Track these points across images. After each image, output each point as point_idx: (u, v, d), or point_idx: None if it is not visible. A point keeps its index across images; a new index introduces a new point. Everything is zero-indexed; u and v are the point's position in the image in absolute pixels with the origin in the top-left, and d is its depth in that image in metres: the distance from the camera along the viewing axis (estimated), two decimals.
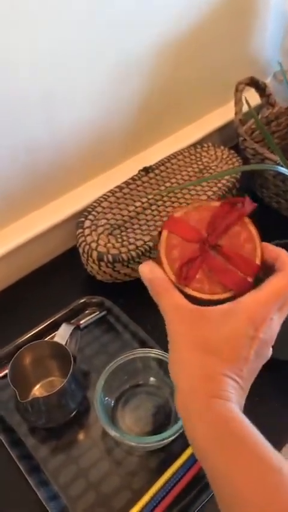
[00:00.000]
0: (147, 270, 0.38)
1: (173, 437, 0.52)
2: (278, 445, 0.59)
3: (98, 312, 0.71)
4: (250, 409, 0.57)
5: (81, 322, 0.70)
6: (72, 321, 0.70)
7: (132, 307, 0.70)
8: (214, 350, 0.34)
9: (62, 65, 0.66)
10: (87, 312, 0.71)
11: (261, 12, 0.93)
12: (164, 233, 0.41)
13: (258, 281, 0.39)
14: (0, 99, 0.62)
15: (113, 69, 0.74)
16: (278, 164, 0.68)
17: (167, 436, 0.52)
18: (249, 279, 0.39)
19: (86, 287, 0.76)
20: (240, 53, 0.96)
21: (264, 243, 0.40)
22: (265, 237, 0.42)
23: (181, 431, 0.53)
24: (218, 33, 0.86)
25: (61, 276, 0.78)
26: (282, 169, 0.52)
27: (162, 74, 0.82)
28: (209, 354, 0.34)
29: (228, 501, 0.31)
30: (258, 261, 0.40)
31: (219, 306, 0.37)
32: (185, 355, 0.35)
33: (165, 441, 0.53)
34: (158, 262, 0.40)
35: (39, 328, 0.67)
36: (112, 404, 0.59)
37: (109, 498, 0.53)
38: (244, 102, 0.84)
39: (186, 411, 0.34)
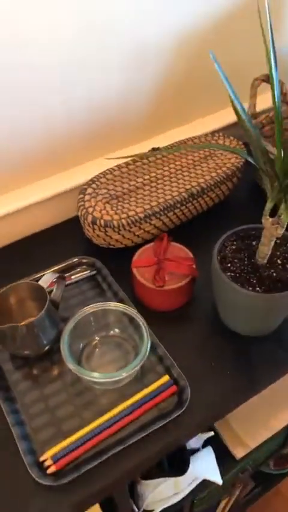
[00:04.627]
0: None
1: (119, 378, 0.59)
2: (227, 407, 0.65)
3: (89, 271, 0.79)
4: (207, 372, 0.64)
5: (72, 277, 0.78)
6: (66, 275, 0.78)
7: (121, 271, 0.78)
8: None
9: (82, 45, 0.75)
10: (79, 269, 0.80)
11: (282, 10, 0.97)
12: (135, 270, 0.72)
13: None
14: (21, 78, 0.72)
15: (131, 54, 0.81)
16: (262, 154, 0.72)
17: (115, 375, 0.59)
18: (193, 266, 0.72)
19: (84, 249, 0.84)
20: (260, 50, 0.99)
21: None
22: None
23: (131, 374, 0.60)
24: (239, 28, 0.91)
25: (65, 238, 0.87)
26: (250, 158, 0.56)
27: (181, 63, 0.88)
28: None
29: None
30: (191, 255, 0.74)
31: None
32: None
33: (114, 379, 0.60)
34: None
35: (30, 279, 0.76)
36: (80, 348, 0.67)
37: (61, 421, 0.61)
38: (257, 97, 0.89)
39: None
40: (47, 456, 0.57)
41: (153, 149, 0.87)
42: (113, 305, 0.67)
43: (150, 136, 0.95)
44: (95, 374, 0.60)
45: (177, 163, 0.86)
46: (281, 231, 0.58)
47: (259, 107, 0.91)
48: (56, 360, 0.68)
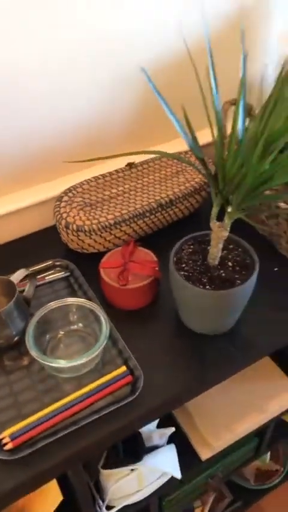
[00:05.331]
0: None
1: (78, 363, 0.65)
2: (178, 398, 0.70)
3: (63, 272, 0.86)
4: (162, 366, 0.70)
5: (46, 278, 0.85)
6: (39, 277, 0.85)
7: (93, 274, 0.84)
8: None
9: (69, 66, 0.83)
10: (53, 271, 0.86)
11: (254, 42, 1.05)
12: (102, 270, 0.78)
13: None
14: (13, 97, 0.80)
15: (113, 80, 0.90)
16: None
17: (74, 361, 0.65)
18: (156, 268, 0.78)
19: (62, 254, 0.90)
20: (230, 76, 1.07)
21: None
22: None
23: (91, 362, 0.65)
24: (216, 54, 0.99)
25: (46, 243, 0.94)
26: (199, 170, 0.63)
27: (160, 87, 0.96)
28: None
29: None
30: (155, 258, 0.80)
31: None
32: None
33: (73, 364, 0.65)
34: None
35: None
36: (46, 341, 0.73)
37: (21, 405, 0.66)
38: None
39: None
40: (5, 435, 0.62)
41: (129, 164, 0.94)
42: (75, 300, 0.73)
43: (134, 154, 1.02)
44: (55, 360, 0.66)
45: (150, 177, 0.93)
46: (225, 233, 0.64)
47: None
48: (24, 351, 0.73)
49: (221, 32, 0.98)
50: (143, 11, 0.86)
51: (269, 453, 1.47)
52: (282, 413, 1.03)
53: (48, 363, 0.66)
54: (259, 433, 1.07)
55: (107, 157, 0.59)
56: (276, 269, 0.85)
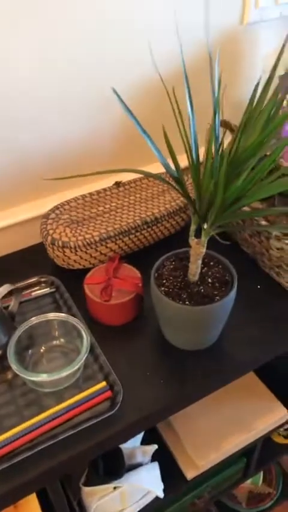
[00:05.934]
0: None
1: (57, 377, 0.65)
2: (158, 414, 0.70)
3: (48, 288, 0.87)
4: (142, 381, 0.70)
5: (32, 294, 0.86)
6: (25, 292, 0.86)
7: (79, 290, 0.85)
8: None
9: (58, 89, 0.86)
10: (38, 287, 0.87)
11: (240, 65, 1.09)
12: (86, 286, 0.79)
13: None
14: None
15: (96, 102, 0.92)
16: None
17: (54, 375, 0.65)
18: (140, 284, 0.79)
19: (50, 270, 0.92)
20: (224, 97, 1.11)
21: None
22: None
23: (71, 377, 0.66)
24: (197, 81, 1.02)
25: (34, 259, 0.95)
26: (178, 189, 0.65)
27: (147, 108, 0.99)
28: None
29: None
30: (139, 275, 0.81)
31: None
32: None
33: (52, 378, 0.66)
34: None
35: None
36: (28, 356, 0.74)
37: (1, 418, 0.67)
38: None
39: None
40: None
41: (116, 183, 0.97)
42: (57, 315, 0.73)
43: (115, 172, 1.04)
44: (35, 374, 0.66)
45: (137, 195, 0.95)
46: (202, 250, 0.65)
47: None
48: (7, 365, 0.74)
49: (211, 51, 1.01)
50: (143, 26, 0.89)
51: (261, 476, 1.45)
52: (270, 432, 1.02)
53: (27, 377, 0.66)
54: (247, 453, 1.06)
55: (87, 175, 0.61)
56: (259, 286, 0.86)
